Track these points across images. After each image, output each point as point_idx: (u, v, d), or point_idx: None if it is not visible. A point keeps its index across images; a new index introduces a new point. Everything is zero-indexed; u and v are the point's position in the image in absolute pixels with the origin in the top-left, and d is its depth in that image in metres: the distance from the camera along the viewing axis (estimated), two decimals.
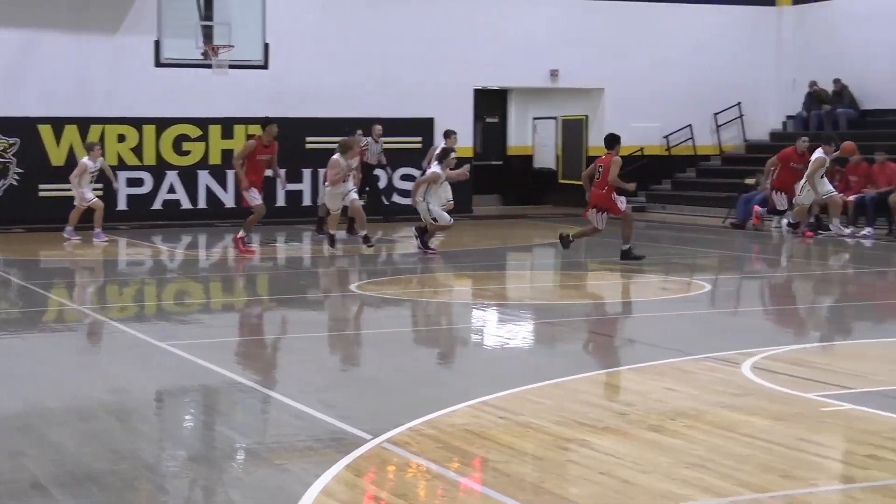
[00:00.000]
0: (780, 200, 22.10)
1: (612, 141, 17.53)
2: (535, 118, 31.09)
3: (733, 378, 9.25)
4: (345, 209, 18.96)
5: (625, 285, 15.88)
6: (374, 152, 24.69)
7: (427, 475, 6.69)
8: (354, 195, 18.71)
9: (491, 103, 29.95)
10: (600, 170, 17.31)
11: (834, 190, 21.38)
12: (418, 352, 11.01)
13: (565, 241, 17.98)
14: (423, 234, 18.44)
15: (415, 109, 26.49)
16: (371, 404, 8.65)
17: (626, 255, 17.31)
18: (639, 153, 28.31)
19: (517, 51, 27.62)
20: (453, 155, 18.51)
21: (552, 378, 9.19)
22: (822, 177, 20.90)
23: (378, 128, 24.92)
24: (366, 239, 18.40)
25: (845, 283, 16.81)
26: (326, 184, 19.03)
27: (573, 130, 29.85)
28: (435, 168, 18.33)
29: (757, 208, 22.73)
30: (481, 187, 28.17)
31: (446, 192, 18.55)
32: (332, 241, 18.56)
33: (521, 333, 12.32)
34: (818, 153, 20.82)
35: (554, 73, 28.25)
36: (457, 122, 25.42)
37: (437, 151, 19.67)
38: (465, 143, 24.81)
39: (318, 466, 6.75)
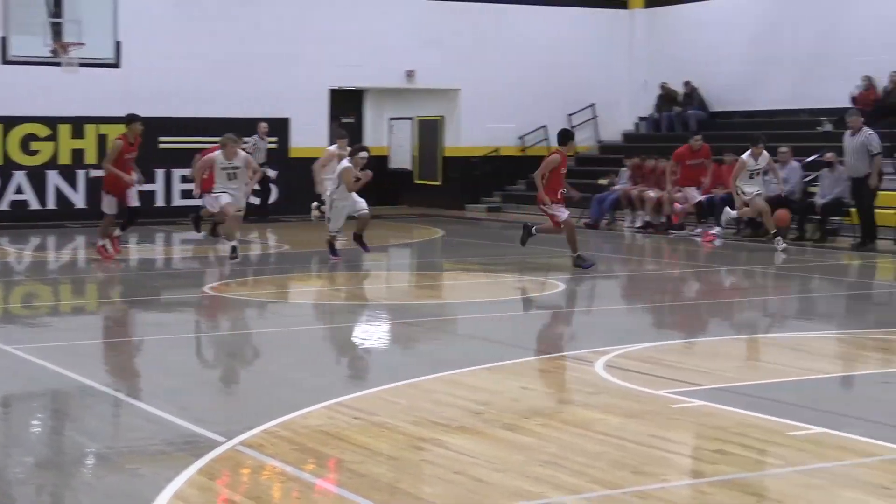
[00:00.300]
0: (691, 195, 22.55)
1: (563, 137, 17.12)
2: (391, 118, 31.10)
3: (587, 376, 9.36)
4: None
5: (480, 285, 15.97)
6: (262, 150, 24.53)
7: (282, 477, 6.64)
8: (243, 202, 18.38)
9: (347, 103, 29.84)
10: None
11: (758, 195, 20.21)
12: (272, 353, 10.92)
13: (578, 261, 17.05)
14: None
15: (270, 109, 26.26)
16: (225, 407, 8.56)
17: (578, 262, 16.84)
18: (494, 153, 28.61)
19: (373, 51, 27.59)
20: (363, 154, 18.17)
21: (407, 378, 9.20)
22: (750, 177, 20.22)
23: (264, 125, 24.80)
24: (233, 250, 17.81)
25: (695, 282, 17.13)
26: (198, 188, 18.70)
27: (429, 131, 29.94)
28: (345, 163, 18.08)
29: (707, 234, 21.33)
30: None
31: (354, 203, 18.14)
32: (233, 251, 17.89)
33: (376, 334, 12.31)
34: (745, 155, 20.29)
35: (410, 74, 28.29)
36: (312, 122, 25.31)
37: (331, 149, 19.63)
38: (321, 143, 24.63)
39: (171, 470, 6.65)
